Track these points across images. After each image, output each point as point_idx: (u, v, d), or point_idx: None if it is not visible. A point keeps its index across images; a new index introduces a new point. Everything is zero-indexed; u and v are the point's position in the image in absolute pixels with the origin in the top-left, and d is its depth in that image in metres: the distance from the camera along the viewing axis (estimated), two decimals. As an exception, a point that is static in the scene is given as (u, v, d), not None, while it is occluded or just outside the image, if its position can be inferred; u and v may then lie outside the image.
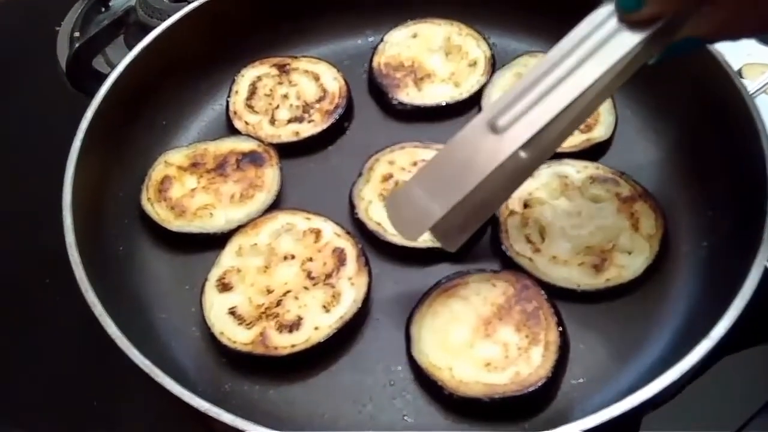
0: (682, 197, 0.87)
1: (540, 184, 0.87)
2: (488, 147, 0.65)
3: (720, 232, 0.82)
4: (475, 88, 0.99)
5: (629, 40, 0.64)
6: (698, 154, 0.88)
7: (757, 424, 0.79)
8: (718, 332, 0.65)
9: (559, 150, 0.90)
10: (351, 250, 0.82)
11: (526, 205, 0.86)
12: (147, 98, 0.95)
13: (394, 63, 1.02)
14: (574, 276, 0.80)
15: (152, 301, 0.84)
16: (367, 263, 0.81)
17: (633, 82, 0.95)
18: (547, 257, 0.81)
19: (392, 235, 0.84)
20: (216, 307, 0.79)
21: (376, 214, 0.86)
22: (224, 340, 0.77)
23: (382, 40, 1.04)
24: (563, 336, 0.74)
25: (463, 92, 0.99)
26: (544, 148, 0.72)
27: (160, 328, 0.81)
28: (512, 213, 0.85)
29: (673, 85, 0.91)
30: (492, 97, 0.97)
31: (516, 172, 0.74)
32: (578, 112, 0.68)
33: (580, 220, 0.84)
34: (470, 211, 0.75)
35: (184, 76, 0.99)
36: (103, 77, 0.90)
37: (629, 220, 0.83)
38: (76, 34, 1.27)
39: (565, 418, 0.72)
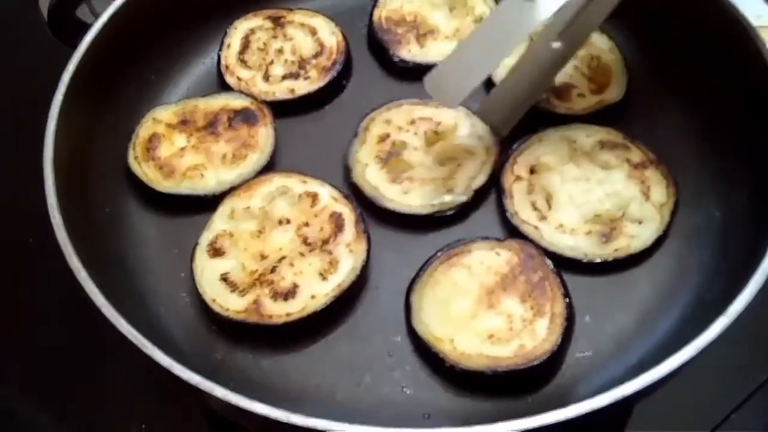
0: (695, 164, 0.84)
1: (548, 148, 0.83)
2: (523, 15, 0.67)
3: (735, 202, 0.79)
4: (481, 45, 0.94)
5: None
6: (715, 120, 0.85)
7: (732, 423, 0.78)
8: (735, 309, 0.62)
9: (569, 113, 0.86)
10: (349, 215, 0.78)
11: (532, 171, 0.82)
12: (134, 50, 0.90)
13: (396, 17, 0.96)
14: (581, 245, 0.77)
15: (140, 266, 0.80)
16: (366, 229, 0.77)
17: (650, 43, 0.92)
18: (553, 225, 0.78)
19: (389, 200, 0.81)
20: (207, 273, 0.75)
21: (373, 178, 0.83)
22: (216, 308, 0.73)
23: (383, -9, 0.98)
24: (569, 308, 0.72)
25: (468, 50, 0.94)
26: (575, 34, 0.75)
27: (148, 293, 0.78)
28: (518, 178, 0.82)
29: (691, 47, 0.86)
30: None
31: (551, 62, 0.79)
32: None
33: (588, 186, 0.81)
34: (513, 93, 0.82)
35: (174, 27, 0.93)
36: (88, 27, 0.85)
37: (640, 187, 0.80)
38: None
39: (570, 393, 0.69)
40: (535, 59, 0.79)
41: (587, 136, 0.84)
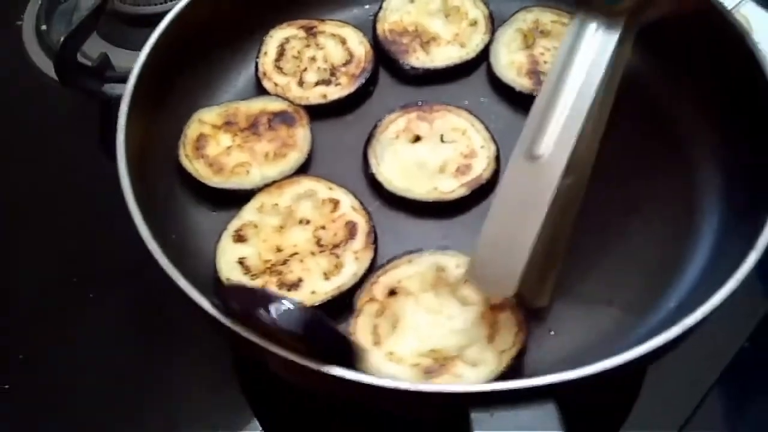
0: (692, 119, 0.90)
1: (415, 272, 0.79)
2: (537, 178, 0.67)
3: (738, 158, 0.83)
4: (481, 46, 1.03)
5: (611, 37, 0.71)
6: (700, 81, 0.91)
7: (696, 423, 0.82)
8: (742, 273, 0.66)
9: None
10: (363, 226, 0.84)
11: (391, 292, 0.78)
12: (183, 60, 0.95)
13: (399, 29, 1.04)
14: (402, 375, 0.72)
15: (191, 255, 0.85)
16: (375, 242, 0.84)
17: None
18: (384, 351, 0.74)
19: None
20: (228, 255, 0.82)
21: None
22: None
23: (380, 7, 1.06)
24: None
25: (470, 51, 1.02)
26: (576, 166, 0.72)
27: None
28: (372, 300, 0.78)
29: (692, 51, 0.91)
30: (500, 54, 1.01)
31: (564, 200, 0.72)
32: (595, 120, 0.72)
33: (438, 320, 0.76)
34: (537, 255, 0.69)
35: (217, 38, 1.00)
36: (88, 69, 0.91)
37: (487, 331, 0.74)
38: (44, 27, 1.26)
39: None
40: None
41: (457, 266, 0.78)
